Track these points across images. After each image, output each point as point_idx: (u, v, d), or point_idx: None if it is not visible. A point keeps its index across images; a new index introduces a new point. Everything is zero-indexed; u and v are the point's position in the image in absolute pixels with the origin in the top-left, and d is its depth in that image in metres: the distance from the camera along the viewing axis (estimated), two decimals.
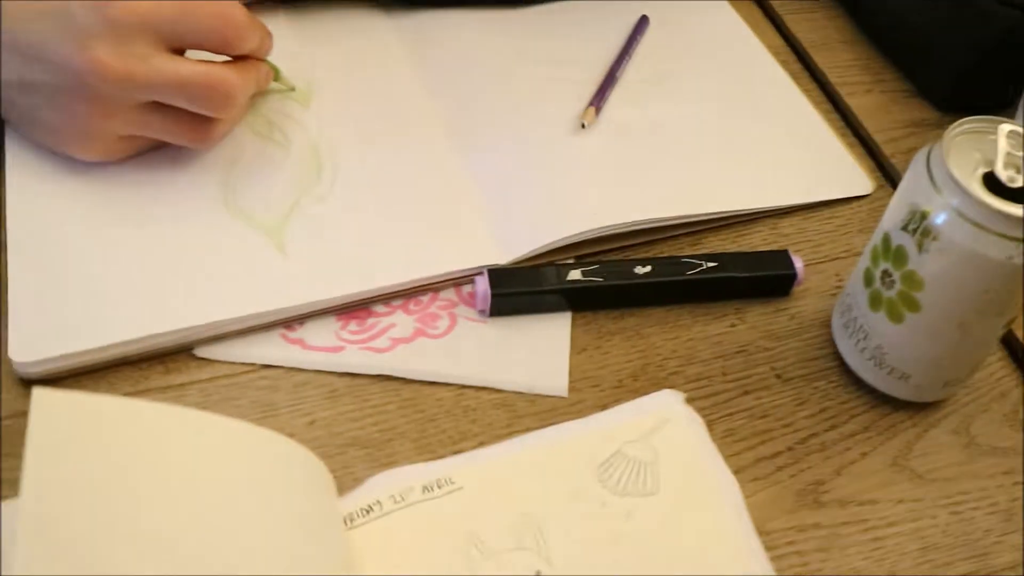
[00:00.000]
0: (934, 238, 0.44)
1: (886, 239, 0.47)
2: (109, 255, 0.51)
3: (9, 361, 0.47)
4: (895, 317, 0.48)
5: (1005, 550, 0.47)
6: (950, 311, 0.46)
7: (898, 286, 0.47)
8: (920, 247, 0.45)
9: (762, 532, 0.46)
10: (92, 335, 0.48)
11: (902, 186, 0.47)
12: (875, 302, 0.49)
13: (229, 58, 0.53)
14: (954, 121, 0.46)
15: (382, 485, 0.46)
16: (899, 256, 0.46)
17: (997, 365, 0.54)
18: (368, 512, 0.45)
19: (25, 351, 0.47)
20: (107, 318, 0.49)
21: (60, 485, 0.35)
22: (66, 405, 0.37)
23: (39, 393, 0.36)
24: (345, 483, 0.46)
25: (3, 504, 0.39)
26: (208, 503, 0.38)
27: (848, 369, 0.52)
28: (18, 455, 0.34)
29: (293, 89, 0.61)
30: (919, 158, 0.46)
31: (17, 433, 0.44)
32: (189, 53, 0.52)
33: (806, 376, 0.53)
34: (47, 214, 0.52)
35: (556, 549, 0.44)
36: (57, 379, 0.48)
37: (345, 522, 0.44)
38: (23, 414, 0.36)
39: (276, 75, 0.59)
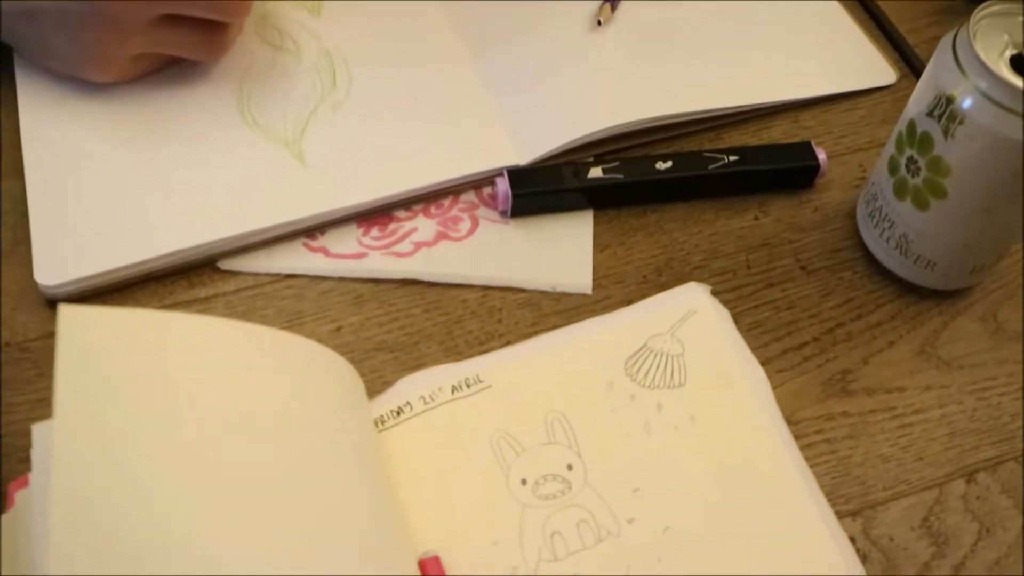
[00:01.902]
0: (960, 122, 0.44)
1: (911, 126, 0.47)
2: (128, 174, 0.51)
3: (36, 284, 0.47)
4: (921, 204, 0.47)
5: None
6: (976, 196, 0.46)
7: (924, 173, 0.46)
8: (946, 133, 0.44)
9: (791, 422, 0.46)
10: (115, 254, 0.48)
11: (927, 72, 0.46)
12: (900, 190, 0.48)
13: None
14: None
15: (411, 387, 0.46)
16: (925, 142, 0.46)
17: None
18: (399, 414, 0.45)
19: (50, 273, 0.47)
20: (129, 236, 0.49)
21: (92, 401, 0.35)
22: (93, 320, 0.37)
23: (65, 310, 0.36)
24: (375, 387, 0.46)
25: (34, 426, 0.39)
26: (242, 410, 0.39)
27: (873, 259, 0.52)
28: (51, 375, 0.34)
29: None
30: (945, 42, 0.45)
31: (48, 354, 0.44)
32: None
33: (831, 267, 0.52)
34: (62, 138, 0.52)
35: (586, 443, 0.45)
36: (83, 299, 0.48)
37: (376, 424, 0.44)
38: (52, 335, 0.36)
39: None
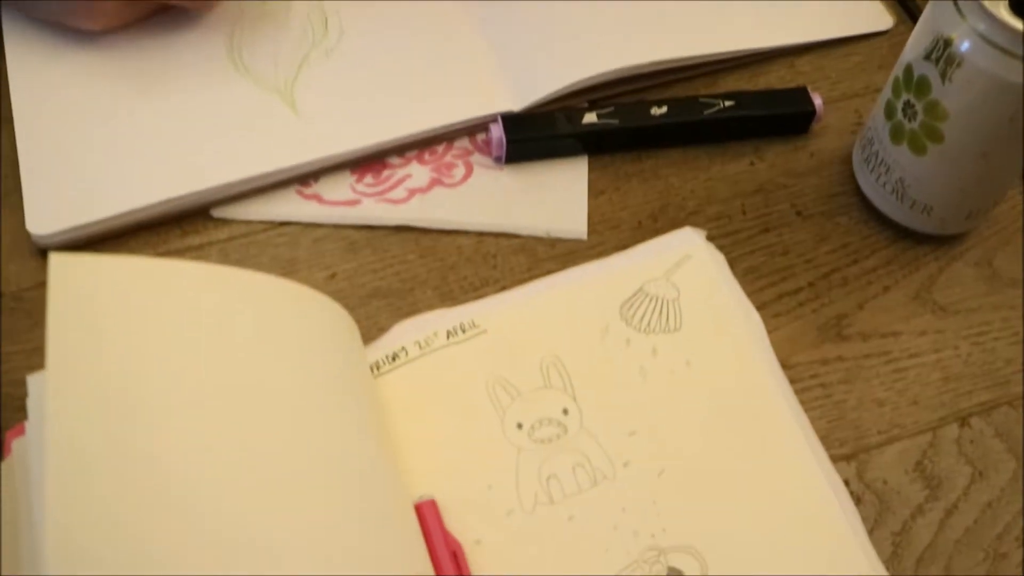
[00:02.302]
0: (958, 65, 0.43)
1: (908, 70, 0.46)
2: (119, 123, 0.51)
3: (28, 234, 0.47)
4: (918, 149, 0.47)
5: None
6: (974, 140, 0.46)
7: (921, 117, 0.46)
8: (944, 76, 0.44)
9: (786, 366, 0.47)
10: (107, 203, 0.48)
11: (925, 15, 0.46)
12: (897, 134, 0.48)
13: None
14: None
15: (406, 332, 0.46)
16: (922, 86, 0.45)
17: (1020, 198, 0.53)
18: (394, 359, 0.45)
19: (42, 223, 0.47)
20: (121, 185, 0.49)
21: (85, 349, 0.35)
22: (84, 267, 0.37)
23: (56, 258, 0.35)
24: (370, 333, 0.46)
25: (29, 377, 0.39)
26: (237, 356, 0.39)
27: (869, 204, 0.52)
28: (43, 325, 0.34)
29: None
30: None
31: (42, 303, 0.44)
32: None
33: (827, 212, 0.52)
34: (52, 87, 0.51)
35: (582, 387, 0.45)
36: (76, 249, 0.48)
37: (372, 370, 0.44)
38: (45, 284, 0.35)
39: None
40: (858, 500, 0.44)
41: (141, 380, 0.35)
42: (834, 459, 0.44)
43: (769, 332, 0.47)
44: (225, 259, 0.48)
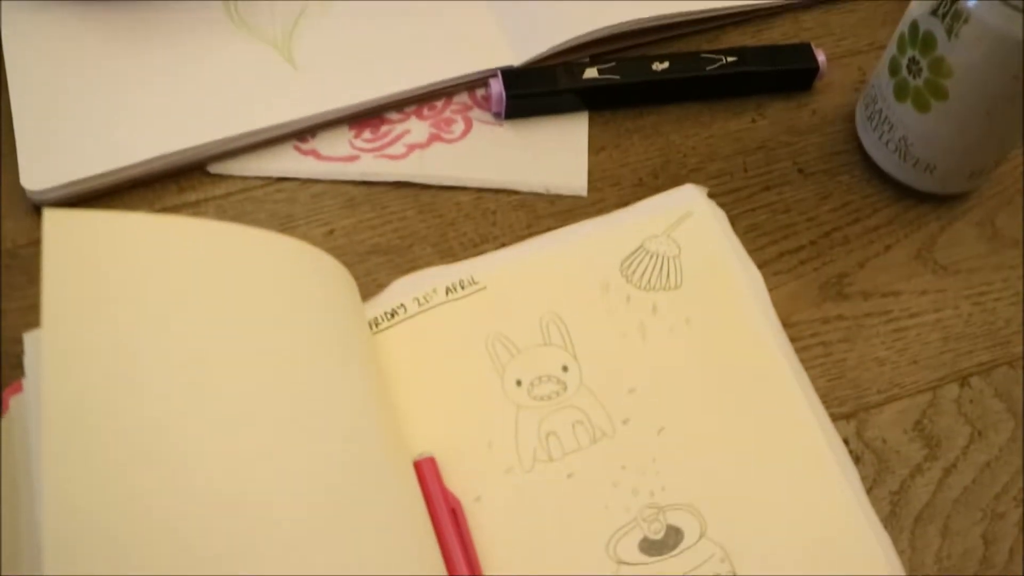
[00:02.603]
0: (965, 21, 0.43)
1: (914, 26, 0.46)
2: (113, 77, 0.50)
3: (24, 190, 0.47)
4: (921, 106, 0.47)
5: None
6: (979, 98, 0.45)
7: (925, 74, 0.46)
8: (950, 32, 0.44)
9: (786, 324, 0.46)
10: (102, 159, 0.48)
11: None
12: (901, 92, 0.48)
13: None
14: None
15: (405, 289, 0.46)
16: (927, 42, 0.45)
17: (1022, 158, 0.53)
18: (393, 316, 0.45)
19: (37, 179, 0.47)
20: (116, 141, 0.48)
21: (81, 305, 0.34)
22: (79, 223, 0.36)
23: (51, 214, 0.35)
24: (368, 289, 0.46)
25: (26, 334, 0.39)
26: (234, 311, 0.38)
27: (872, 163, 0.51)
28: (39, 282, 0.34)
29: None
30: None
31: (38, 260, 0.44)
32: None
33: (829, 171, 0.52)
34: (46, 42, 0.51)
35: (582, 344, 0.45)
36: (71, 205, 0.47)
37: (370, 327, 0.44)
38: (40, 241, 0.35)
39: None
40: (857, 459, 0.44)
41: (138, 336, 0.35)
42: (834, 418, 0.44)
43: (770, 290, 0.47)
44: (222, 215, 0.48)
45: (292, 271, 0.41)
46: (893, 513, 0.43)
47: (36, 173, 0.47)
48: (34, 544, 0.34)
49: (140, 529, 0.31)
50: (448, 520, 0.39)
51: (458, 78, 0.52)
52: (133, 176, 0.48)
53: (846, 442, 0.44)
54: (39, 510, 0.30)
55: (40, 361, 0.33)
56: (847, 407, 0.45)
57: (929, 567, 0.42)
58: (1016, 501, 0.44)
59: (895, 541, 0.42)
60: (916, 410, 0.45)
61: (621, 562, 0.40)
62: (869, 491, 0.43)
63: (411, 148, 0.50)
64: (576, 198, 0.50)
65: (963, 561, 0.42)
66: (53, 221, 0.35)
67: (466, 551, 0.39)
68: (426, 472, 0.40)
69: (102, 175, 0.47)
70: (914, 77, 0.46)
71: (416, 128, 0.51)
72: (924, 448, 0.44)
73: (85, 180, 0.47)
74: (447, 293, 0.45)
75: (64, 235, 0.35)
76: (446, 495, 0.40)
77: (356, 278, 0.45)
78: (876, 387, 0.46)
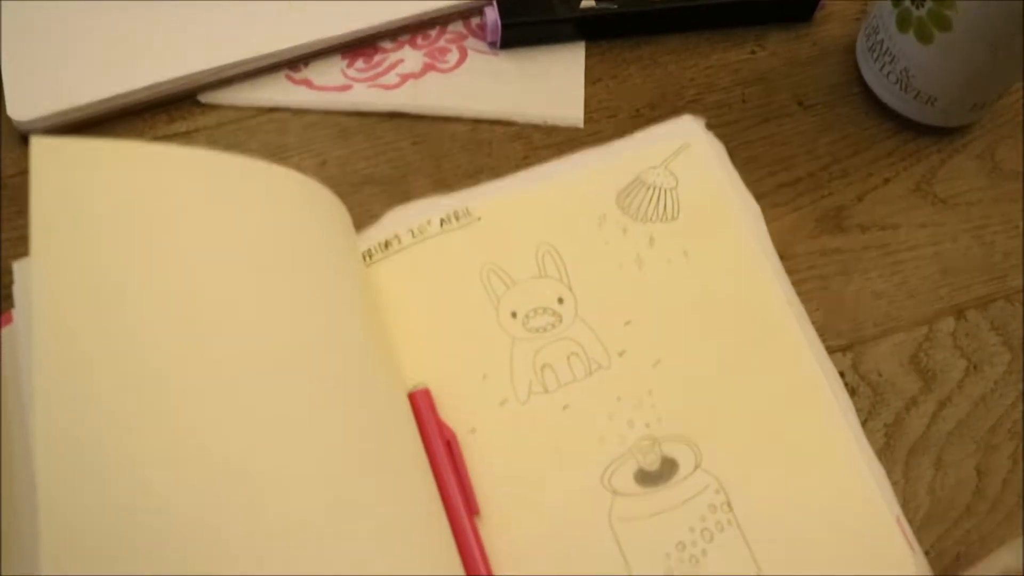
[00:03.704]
0: None
1: None
2: (103, 5, 0.49)
3: (10, 120, 0.46)
4: (924, 37, 0.46)
5: None
6: (982, 29, 0.44)
7: (929, 3, 0.45)
8: None
9: (784, 257, 0.46)
10: (91, 87, 0.47)
11: None
12: (903, 22, 0.47)
13: None
14: None
15: (400, 220, 0.45)
16: None
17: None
18: (387, 247, 0.44)
19: (24, 108, 0.46)
20: (105, 69, 0.47)
21: (70, 234, 0.34)
22: (68, 152, 0.35)
23: (38, 141, 0.34)
24: (362, 220, 0.45)
25: (15, 263, 0.38)
26: (226, 241, 0.38)
27: (872, 95, 0.51)
28: (28, 212, 0.33)
29: None
30: None
31: (26, 191, 0.43)
32: None
33: (828, 103, 0.51)
34: None
35: (577, 276, 0.44)
36: (60, 135, 0.46)
37: (364, 258, 0.44)
38: (28, 172, 0.34)
39: None
40: (852, 391, 0.44)
41: (128, 265, 0.35)
42: (830, 350, 0.44)
43: (767, 222, 0.47)
44: (214, 145, 0.47)
45: (285, 201, 0.41)
46: (887, 445, 0.43)
47: (23, 103, 0.46)
48: (26, 480, 0.34)
49: (134, 455, 0.31)
50: (443, 452, 0.39)
51: (453, 6, 0.51)
52: (122, 105, 0.47)
53: (842, 375, 0.44)
54: (31, 440, 0.30)
55: (30, 290, 0.32)
56: (843, 340, 0.45)
57: (922, 498, 0.42)
58: (1010, 433, 0.44)
59: (889, 472, 0.42)
60: (912, 343, 0.45)
61: (616, 493, 0.40)
62: (864, 423, 0.43)
63: (405, 78, 0.50)
64: (573, 129, 0.49)
65: (956, 492, 0.43)
66: (40, 149, 0.34)
67: (461, 483, 0.39)
68: (421, 404, 0.40)
69: (90, 104, 0.47)
70: (917, 7, 0.46)
71: (410, 57, 0.50)
72: (919, 381, 0.44)
73: (73, 110, 0.46)
74: (442, 224, 0.45)
75: (52, 163, 0.34)
76: (441, 427, 0.40)
77: (350, 209, 0.44)
78: (872, 320, 0.46)
